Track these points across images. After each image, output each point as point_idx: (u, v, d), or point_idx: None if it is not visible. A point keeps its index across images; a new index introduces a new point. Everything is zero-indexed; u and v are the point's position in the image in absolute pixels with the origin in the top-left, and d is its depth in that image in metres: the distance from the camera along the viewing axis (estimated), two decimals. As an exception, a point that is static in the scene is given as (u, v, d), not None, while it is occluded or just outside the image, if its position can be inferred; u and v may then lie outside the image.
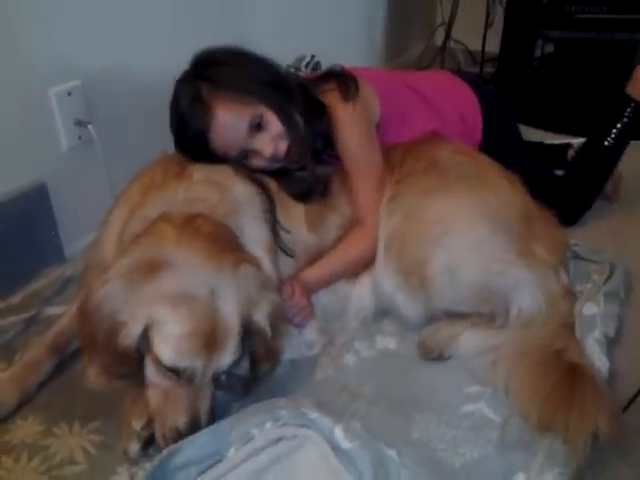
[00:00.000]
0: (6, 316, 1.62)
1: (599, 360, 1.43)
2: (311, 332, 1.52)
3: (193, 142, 1.50)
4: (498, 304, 1.48)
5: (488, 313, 1.50)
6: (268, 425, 1.22)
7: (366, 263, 1.61)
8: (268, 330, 1.25)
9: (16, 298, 1.70)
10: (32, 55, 1.74)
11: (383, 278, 1.55)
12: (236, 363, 1.24)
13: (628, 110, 2.00)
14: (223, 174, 1.47)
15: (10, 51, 1.69)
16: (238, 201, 1.43)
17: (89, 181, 1.93)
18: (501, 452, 1.25)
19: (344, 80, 1.64)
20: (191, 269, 1.18)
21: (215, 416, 1.25)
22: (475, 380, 1.41)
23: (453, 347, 1.48)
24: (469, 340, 1.48)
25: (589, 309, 1.60)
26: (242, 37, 2.35)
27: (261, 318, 1.24)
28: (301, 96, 1.60)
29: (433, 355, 1.49)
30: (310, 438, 1.20)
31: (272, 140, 1.54)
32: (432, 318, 1.54)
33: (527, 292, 1.46)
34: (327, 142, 1.63)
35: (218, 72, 1.53)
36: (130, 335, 1.17)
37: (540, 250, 1.51)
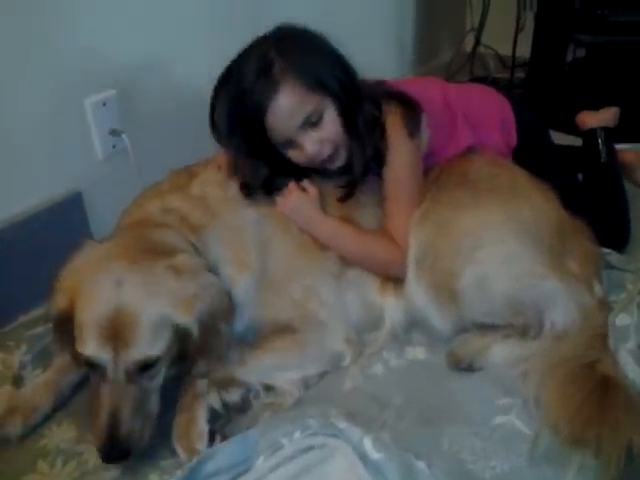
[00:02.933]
0: (43, 323, 1.65)
1: (633, 372, 1.40)
2: (339, 342, 1.51)
3: (242, 114, 1.46)
4: (531, 317, 1.47)
5: (520, 325, 1.48)
6: (297, 434, 1.23)
7: (377, 270, 1.60)
8: (195, 330, 1.27)
9: (52, 305, 1.74)
10: (68, 66, 1.79)
11: (415, 292, 1.53)
12: (155, 362, 1.24)
13: (597, 137, 2.20)
14: (220, 195, 1.53)
15: (47, 63, 1.73)
16: (220, 220, 1.48)
17: (123, 189, 1.95)
18: (532, 465, 1.23)
19: (409, 112, 1.59)
20: (105, 263, 1.27)
21: (153, 421, 1.27)
22: (506, 392, 1.40)
23: (483, 358, 1.47)
24: (500, 351, 1.47)
25: (622, 320, 1.57)
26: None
27: (185, 319, 1.25)
28: (366, 110, 1.56)
29: (463, 366, 1.48)
30: (339, 448, 1.20)
31: (319, 141, 1.52)
32: (463, 330, 1.53)
33: (560, 306, 1.44)
34: (379, 162, 1.59)
35: (297, 51, 1.49)
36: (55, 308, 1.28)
37: (573, 264, 1.49)
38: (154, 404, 1.28)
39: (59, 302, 1.27)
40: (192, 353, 1.31)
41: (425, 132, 1.65)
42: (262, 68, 1.45)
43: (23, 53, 1.67)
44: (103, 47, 1.85)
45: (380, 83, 1.68)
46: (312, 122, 1.50)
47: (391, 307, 1.59)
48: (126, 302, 1.21)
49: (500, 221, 1.49)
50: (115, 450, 1.21)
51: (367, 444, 1.20)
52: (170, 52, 2.06)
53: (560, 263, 1.47)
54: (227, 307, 1.37)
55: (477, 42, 3.64)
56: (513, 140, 1.89)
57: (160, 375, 1.29)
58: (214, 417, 1.34)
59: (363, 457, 1.19)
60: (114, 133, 1.94)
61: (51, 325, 1.34)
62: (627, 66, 3.12)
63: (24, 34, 1.66)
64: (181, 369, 1.36)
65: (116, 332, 1.20)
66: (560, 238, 1.51)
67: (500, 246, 1.47)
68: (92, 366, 1.24)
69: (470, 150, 1.73)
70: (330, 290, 1.55)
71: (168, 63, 2.06)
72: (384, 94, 1.63)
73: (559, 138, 2.46)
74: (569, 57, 3.31)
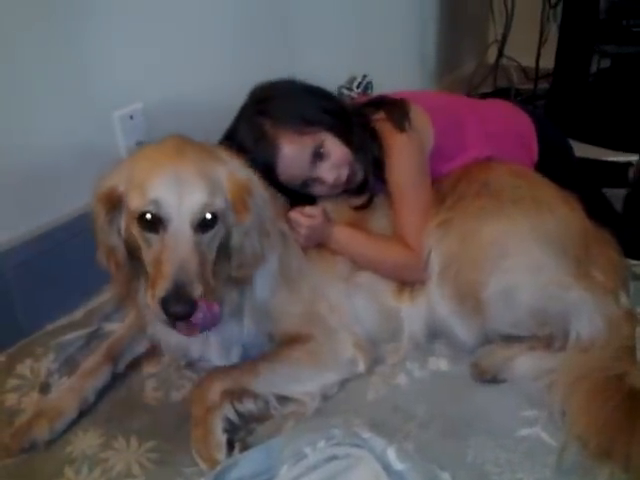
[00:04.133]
0: (69, 331, 1.68)
1: (661, 385, 1.38)
2: (349, 348, 1.49)
3: (260, 175, 1.53)
4: (556, 328, 1.45)
5: (546, 336, 1.47)
6: (321, 444, 1.23)
7: (391, 275, 1.60)
8: (228, 211, 1.30)
9: (79, 314, 1.76)
10: (98, 81, 1.83)
11: (438, 302, 1.53)
12: (213, 221, 1.26)
13: None
14: None
15: (79, 78, 1.78)
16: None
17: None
18: (559, 478, 1.22)
19: (394, 110, 1.65)
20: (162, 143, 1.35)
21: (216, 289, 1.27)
22: (531, 404, 1.38)
23: (508, 370, 1.46)
24: (525, 363, 1.45)
25: (650, 332, 1.55)
26: (295, 58, 2.43)
27: (223, 202, 1.28)
28: (357, 123, 1.64)
29: (487, 377, 1.46)
30: (363, 458, 1.20)
31: (334, 167, 1.59)
32: (487, 341, 1.52)
33: (586, 316, 1.43)
34: (379, 167, 1.64)
35: (277, 106, 1.59)
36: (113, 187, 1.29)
37: (598, 274, 1.48)
38: (210, 274, 1.26)
39: (113, 178, 1.30)
40: (232, 247, 1.33)
41: (427, 129, 1.67)
42: (255, 133, 1.57)
43: (55, 68, 1.72)
44: (131, 62, 1.89)
45: (381, 97, 1.76)
46: (319, 155, 1.58)
47: (410, 314, 1.57)
48: (187, 162, 1.26)
49: (525, 231, 1.49)
50: (181, 300, 1.18)
51: (391, 454, 1.20)
52: (195, 68, 2.10)
53: (585, 273, 1.46)
54: (274, 215, 1.41)
55: (500, 54, 3.65)
56: (534, 155, 1.87)
57: (215, 243, 1.28)
58: (234, 428, 1.34)
59: (387, 467, 1.18)
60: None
61: (97, 206, 1.32)
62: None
63: (57, 52, 1.71)
64: (222, 268, 1.34)
65: (180, 181, 1.23)
66: (585, 248, 1.50)
67: (526, 256, 1.46)
68: (152, 222, 1.23)
69: (489, 160, 1.72)
70: (340, 294, 1.55)
71: (193, 79, 2.09)
72: (367, 104, 1.73)
73: (583, 149, 2.45)
74: (594, 68, 3.29)
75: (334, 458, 1.21)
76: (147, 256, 1.26)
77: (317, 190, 1.63)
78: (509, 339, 1.50)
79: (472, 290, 1.47)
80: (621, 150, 2.66)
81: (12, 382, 1.54)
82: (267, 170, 1.54)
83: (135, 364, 1.58)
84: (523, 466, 1.25)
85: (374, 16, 2.85)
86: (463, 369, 1.51)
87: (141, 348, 1.59)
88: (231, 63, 2.21)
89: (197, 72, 2.10)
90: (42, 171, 1.76)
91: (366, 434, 1.24)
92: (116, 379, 1.52)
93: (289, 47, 2.46)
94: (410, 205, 1.59)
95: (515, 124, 1.89)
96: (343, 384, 1.47)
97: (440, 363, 1.55)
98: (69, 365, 1.57)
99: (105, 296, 1.83)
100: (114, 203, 1.30)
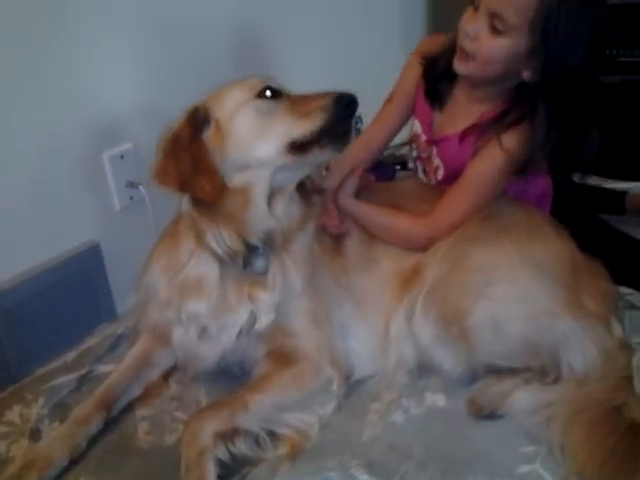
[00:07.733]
0: (60, 375, 1.65)
1: (662, 417, 1.37)
2: (325, 365, 1.46)
3: None
4: (547, 359, 1.43)
5: (538, 368, 1.45)
6: (317, 487, 1.21)
7: (399, 244, 1.61)
8: None
9: (70, 356, 1.74)
10: (88, 121, 1.83)
11: (421, 327, 1.49)
12: None
13: None
14: None
15: (68, 118, 1.78)
16: None
17: (140, 240, 1.97)
18: (560, 517, 1.20)
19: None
20: None
21: None
22: (529, 439, 1.36)
23: (505, 405, 1.43)
24: (522, 397, 1.42)
25: (647, 362, 1.54)
26: (285, 75, 2.44)
27: None
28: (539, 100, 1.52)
29: (484, 413, 1.44)
30: (360, 501, 1.18)
31: (476, 37, 1.50)
32: (475, 374, 1.49)
33: (577, 347, 1.41)
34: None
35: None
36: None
37: (589, 302, 1.46)
38: None
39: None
40: None
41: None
42: None
43: (45, 110, 1.73)
44: (120, 102, 1.91)
45: None
46: (495, 25, 1.46)
47: (401, 339, 1.54)
48: None
49: (513, 258, 1.48)
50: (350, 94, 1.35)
51: (388, 497, 1.17)
52: (185, 105, 2.11)
53: (576, 301, 1.45)
54: None
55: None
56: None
57: None
58: (228, 472, 1.31)
59: (385, 510, 1.16)
60: (131, 185, 1.98)
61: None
62: (637, 106, 3.13)
63: (45, 92, 1.72)
64: None
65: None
66: (575, 277, 1.49)
67: (513, 284, 1.45)
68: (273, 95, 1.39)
69: None
70: (329, 315, 1.52)
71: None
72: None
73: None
74: (579, 97, 3.32)
75: (331, 502, 1.19)
76: (267, 129, 1.37)
77: (464, 17, 1.54)
78: (499, 372, 1.47)
79: (457, 317, 1.45)
80: (609, 177, 2.68)
81: (1, 429, 1.50)
82: None
83: (128, 406, 1.55)
84: (523, 505, 1.22)
85: (358, 19, 2.86)
86: (460, 404, 1.48)
87: (136, 392, 1.56)
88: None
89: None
90: (29, 212, 1.75)
91: (363, 476, 1.22)
92: (108, 422, 1.49)
93: (282, 66, 2.46)
94: (463, 194, 1.58)
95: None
96: (338, 422, 1.44)
97: (437, 398, 1.52)
98: (60, 409, 1.54)
99: (97, 337, 1.81)
100: (198, 122, 1.43)
